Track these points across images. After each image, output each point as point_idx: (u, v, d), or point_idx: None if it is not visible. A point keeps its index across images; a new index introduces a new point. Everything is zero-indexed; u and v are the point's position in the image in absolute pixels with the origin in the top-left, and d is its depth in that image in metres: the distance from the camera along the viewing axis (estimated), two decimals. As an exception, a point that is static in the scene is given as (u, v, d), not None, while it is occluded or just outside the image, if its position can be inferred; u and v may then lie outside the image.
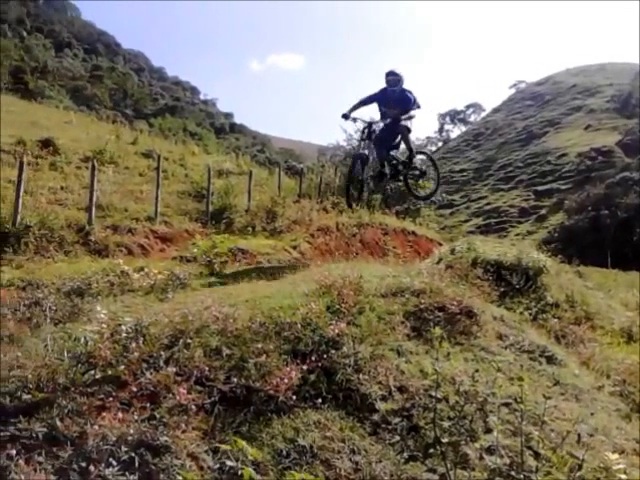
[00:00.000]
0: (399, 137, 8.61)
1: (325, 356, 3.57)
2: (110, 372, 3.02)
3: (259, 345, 3.55)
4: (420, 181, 9.75)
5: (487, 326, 4.89)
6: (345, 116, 8.31)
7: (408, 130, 8.59)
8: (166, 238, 11.49)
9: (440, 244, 13.22)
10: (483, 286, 6.27)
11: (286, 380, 3.18)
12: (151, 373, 3.07)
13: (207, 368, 3.23)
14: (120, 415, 2.66)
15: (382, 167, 8.44)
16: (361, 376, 3.44)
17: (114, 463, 2.33)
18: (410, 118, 8.49)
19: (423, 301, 4.80)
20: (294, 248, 10.65)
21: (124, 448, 2.42)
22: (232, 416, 2.95)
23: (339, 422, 3.06)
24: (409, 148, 8.86)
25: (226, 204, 13.41)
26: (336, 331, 3.84)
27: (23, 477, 2.15)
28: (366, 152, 8.29)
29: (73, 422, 2.58)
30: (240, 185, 15.03)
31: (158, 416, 2.71)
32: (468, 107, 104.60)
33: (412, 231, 14.36)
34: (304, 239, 11.43)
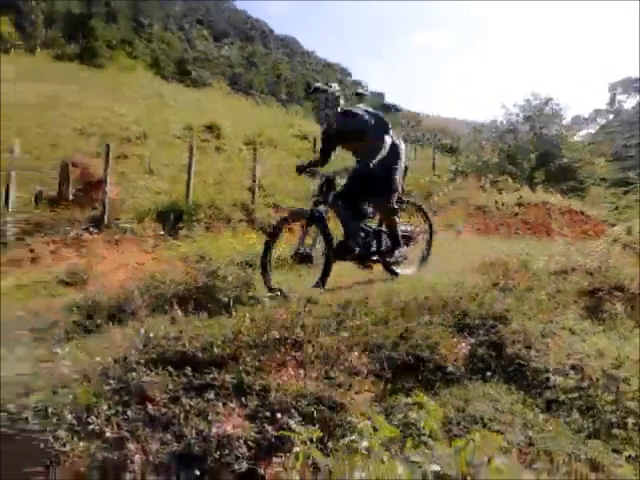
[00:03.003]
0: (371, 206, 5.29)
1: (493, 331, 3.51)
2: (286, 334, 3.22)
3: (425, 317, 3.59)
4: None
5: (675, 310, 4.47)
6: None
7: (391, 211, 5.17)
8: (324, 216, 11.88)
9: (613, 225, 12.21)
10: (667, 267, 5.72)
11: (455, 351, 3.20)
12: (323, 337, 3.23)
13: (375, 336, 3.33)
14: (298, 373, 2.85)
15: (347, 239, 5.01)
16: (532, 352, 3.33)
17: (295, 415, 2.51)
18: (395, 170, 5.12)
19: (598, 280, 4.50)
20: (451, 227, 10.47)
21: (304, 402, 2.60)
22: (401, 382, 3.03)
23: (510, 396, 3.00)
24: (395, 237, 5.30)
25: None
26: (504, 307, 3.75)
27: (222, 418, 2.41)
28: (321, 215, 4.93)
29: (257, 376, 2.82)
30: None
31: (333, 376, 2.86)
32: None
33: (580, 211, 13.38)
34: (461, 218, 11.20)
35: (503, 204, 12.43)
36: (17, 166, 10.71)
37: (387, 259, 5.34)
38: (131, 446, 2.32)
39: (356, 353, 3.04)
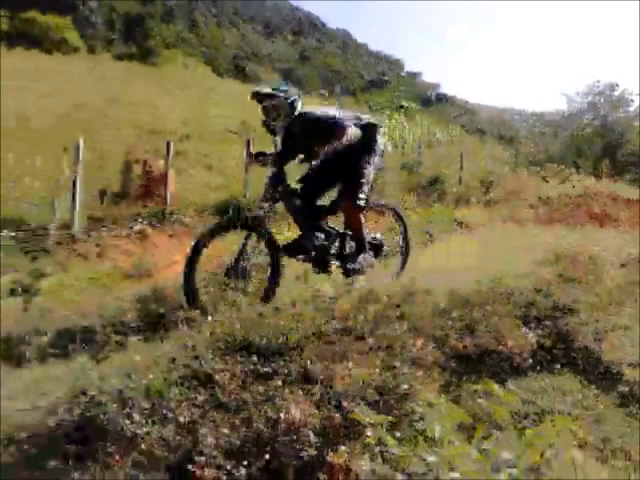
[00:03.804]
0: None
1: (561, 322, 3.42)
2: (349, 324, 3.24)
3: (488, 308, 3.53)
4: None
5: None
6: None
7: (357, 208, 4.47)
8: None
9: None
10: None
11: (521, 343, 3.13)
12: (385, 327, 3.22)
13: (438, 326, 3.30)
14: (361, 362, 2.85)
15: (302, 238, 4.55)
16: (603, 345, 3.23)
17: (361, 403, 2.52)
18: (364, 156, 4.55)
19: (672, 272, 4.32)
20: (512, 219, 10.20)
21: (369, 391, 2.60)
22: (467, 373, 2.99)
23: (580, 389, 2.92)
24: (359, 241, 4.63)
25: (437, 175, 13.37)
26: (571, 298, 3.65)
27: (290, 404, 2.44)
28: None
29: (321, 365, 2.83)
30: (451, 155, 14.84)
31: (397, 365, 2.85)
32: None
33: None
34: (522, 210, 10.92)
35: (566, 195, 12.08)
36: (82, 164, 11.10)
37: (349, 266, 4.55)
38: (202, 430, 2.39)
39: (420, 343, 3.02)
